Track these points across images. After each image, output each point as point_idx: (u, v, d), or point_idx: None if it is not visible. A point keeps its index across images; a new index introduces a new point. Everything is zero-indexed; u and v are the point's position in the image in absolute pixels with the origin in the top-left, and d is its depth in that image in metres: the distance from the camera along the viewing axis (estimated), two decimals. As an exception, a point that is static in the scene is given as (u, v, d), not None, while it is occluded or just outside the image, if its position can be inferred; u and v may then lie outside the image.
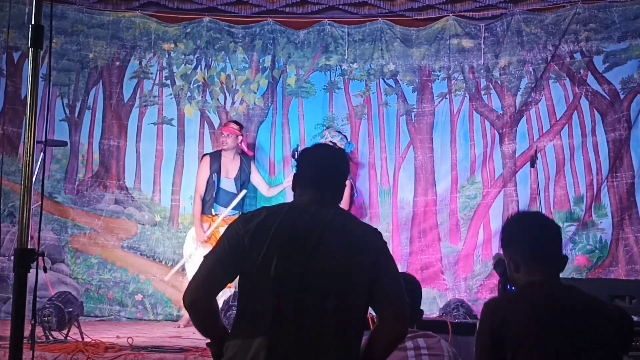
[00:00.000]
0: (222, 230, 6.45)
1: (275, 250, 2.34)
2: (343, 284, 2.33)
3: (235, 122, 6.95)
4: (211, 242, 6.43)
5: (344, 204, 6.71)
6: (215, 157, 6.78)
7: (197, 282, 2.39)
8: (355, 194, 6.99)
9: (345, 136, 7.02)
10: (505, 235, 2.49)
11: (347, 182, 7.05)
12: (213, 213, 6.69)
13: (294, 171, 2.66)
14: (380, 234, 2.48)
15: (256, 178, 6.94)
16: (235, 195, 6.71)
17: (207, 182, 6.70)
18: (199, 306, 2.40)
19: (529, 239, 2.43)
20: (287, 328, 2.28)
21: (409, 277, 2.97)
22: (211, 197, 6.70)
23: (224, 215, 6.57)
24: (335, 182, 2.60)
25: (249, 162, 6.93)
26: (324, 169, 2.57)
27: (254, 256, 2.35)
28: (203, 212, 6.69)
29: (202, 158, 6.92)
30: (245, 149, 6.96)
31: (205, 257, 2.46)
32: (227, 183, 6.75)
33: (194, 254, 6.55)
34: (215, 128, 7.51)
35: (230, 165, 6.79)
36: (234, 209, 6.64)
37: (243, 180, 6.82)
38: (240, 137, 6.78)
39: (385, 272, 2.38)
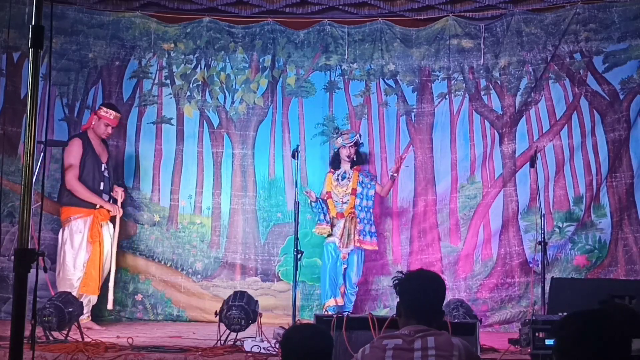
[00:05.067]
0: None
1: None
2: None
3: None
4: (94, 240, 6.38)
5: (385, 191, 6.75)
6: (88, 142, 6.56)
7: None
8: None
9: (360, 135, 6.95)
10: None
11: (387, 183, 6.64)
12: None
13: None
14: None
15: None
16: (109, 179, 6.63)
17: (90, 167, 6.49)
18: None
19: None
20: None
21: (433, 275, 2.94)
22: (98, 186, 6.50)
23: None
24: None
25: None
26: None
27: None
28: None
29: (73, 141, 6.58)
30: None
31: None
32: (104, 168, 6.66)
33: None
34: (215, 127, 7.51)
35: (101, 149, 6.67)
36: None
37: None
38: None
39: None
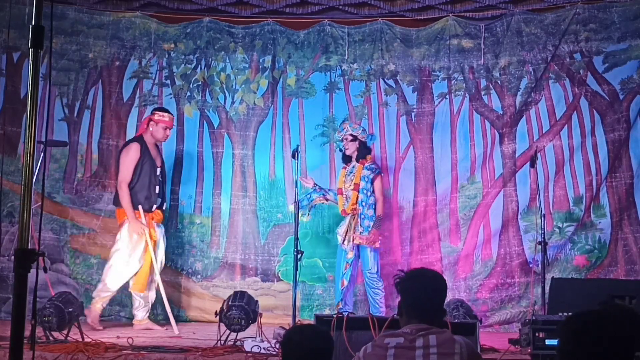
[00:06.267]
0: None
1: None
2: None
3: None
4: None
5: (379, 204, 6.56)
6: (145, 146, 6.52)
7: None
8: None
9: (365, 129, 6.80)
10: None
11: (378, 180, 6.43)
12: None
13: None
14: None
15: None
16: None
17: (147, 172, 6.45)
18: None
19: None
20: None
21: (435, 274, 2.96)
22: (154, 190, 6.48)
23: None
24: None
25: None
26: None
27: None
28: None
29: (130, 146, 6.50)
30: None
31: None
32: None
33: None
34: (215, 128, 7.51)
35: (156, 152, 6.63)
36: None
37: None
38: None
39: None
